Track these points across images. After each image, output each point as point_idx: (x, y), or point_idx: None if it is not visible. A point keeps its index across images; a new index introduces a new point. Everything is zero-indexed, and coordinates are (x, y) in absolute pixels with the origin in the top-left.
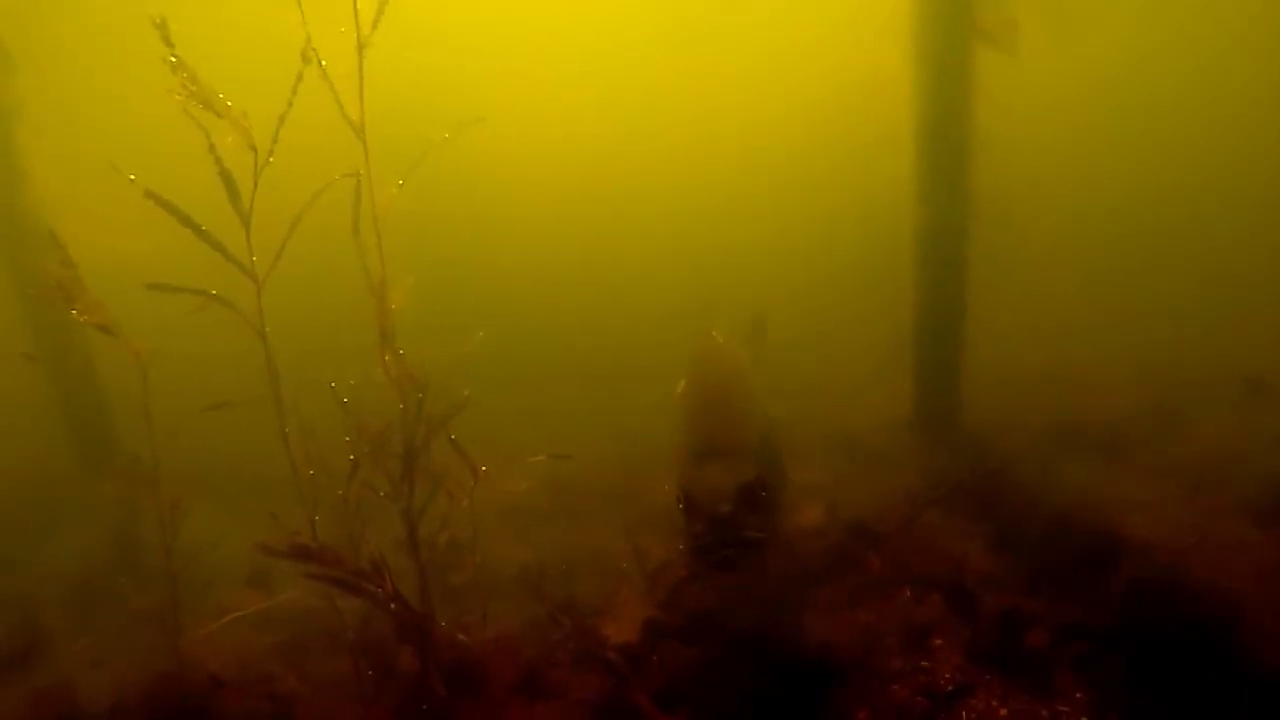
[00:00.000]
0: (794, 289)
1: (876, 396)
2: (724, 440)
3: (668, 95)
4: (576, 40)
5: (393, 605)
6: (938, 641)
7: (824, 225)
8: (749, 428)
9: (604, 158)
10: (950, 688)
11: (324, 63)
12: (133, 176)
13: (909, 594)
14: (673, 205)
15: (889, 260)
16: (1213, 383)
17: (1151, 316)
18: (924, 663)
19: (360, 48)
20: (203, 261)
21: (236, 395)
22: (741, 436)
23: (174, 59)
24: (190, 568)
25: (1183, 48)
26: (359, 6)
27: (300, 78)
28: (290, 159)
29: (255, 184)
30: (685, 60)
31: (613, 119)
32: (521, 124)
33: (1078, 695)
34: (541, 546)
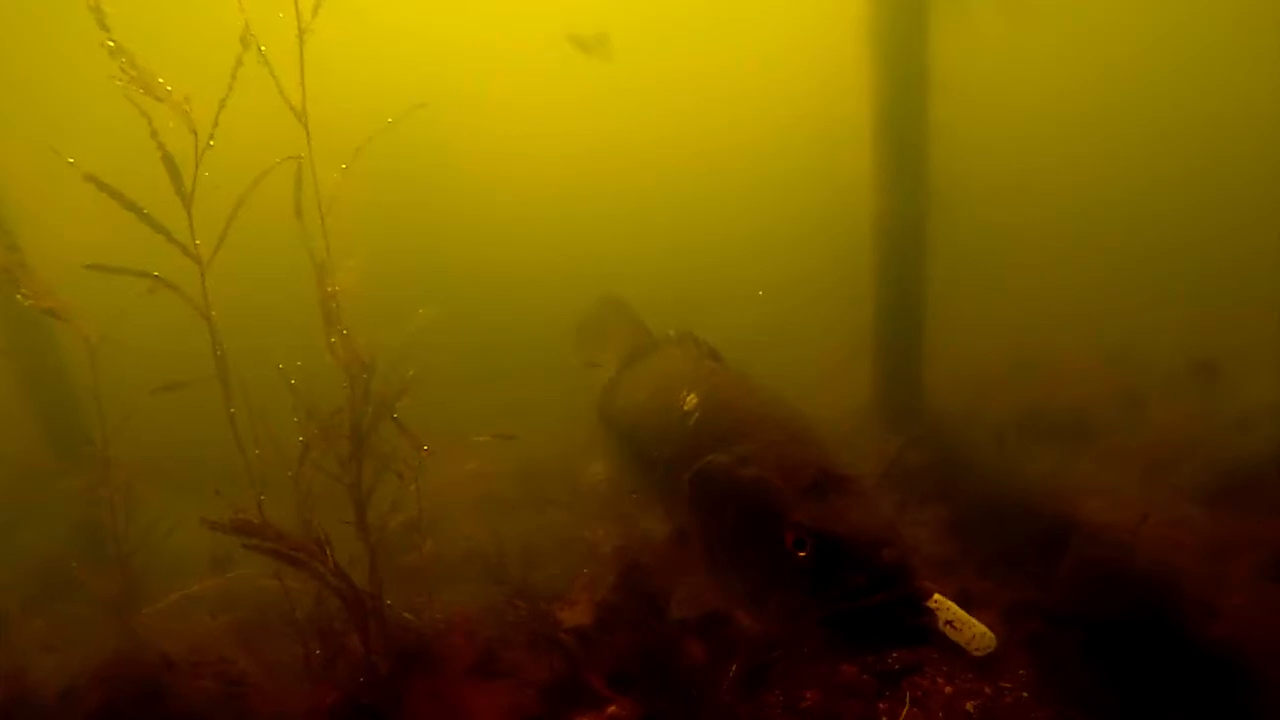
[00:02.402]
0: (775, 284)
1: (847, 386)
2: (839, 464)
3: (658, 95)
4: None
5: (335, 581)
6: None
7: (805, 220)
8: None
9: (600, 156)
10: (897, 666)
11: (264, 48)
12: (71, 160)
13: None
14: (663, 203)
15: (864, 252)
16: (1176, 370)
17: (1121, 307)
18: None
19: (301, 33)
20: (180, 259)
21: (200, 387)
22: (846, 457)
23: (111, 43)
24: (151, 553)
25: (1170, 48)
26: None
27: (240, 62)
28: (260, 155)
29: (196, 166)
30: (671, 60)
31: (608, 118)
32: (519, 123)
33: (1021, 673)
34: (508, 534)
